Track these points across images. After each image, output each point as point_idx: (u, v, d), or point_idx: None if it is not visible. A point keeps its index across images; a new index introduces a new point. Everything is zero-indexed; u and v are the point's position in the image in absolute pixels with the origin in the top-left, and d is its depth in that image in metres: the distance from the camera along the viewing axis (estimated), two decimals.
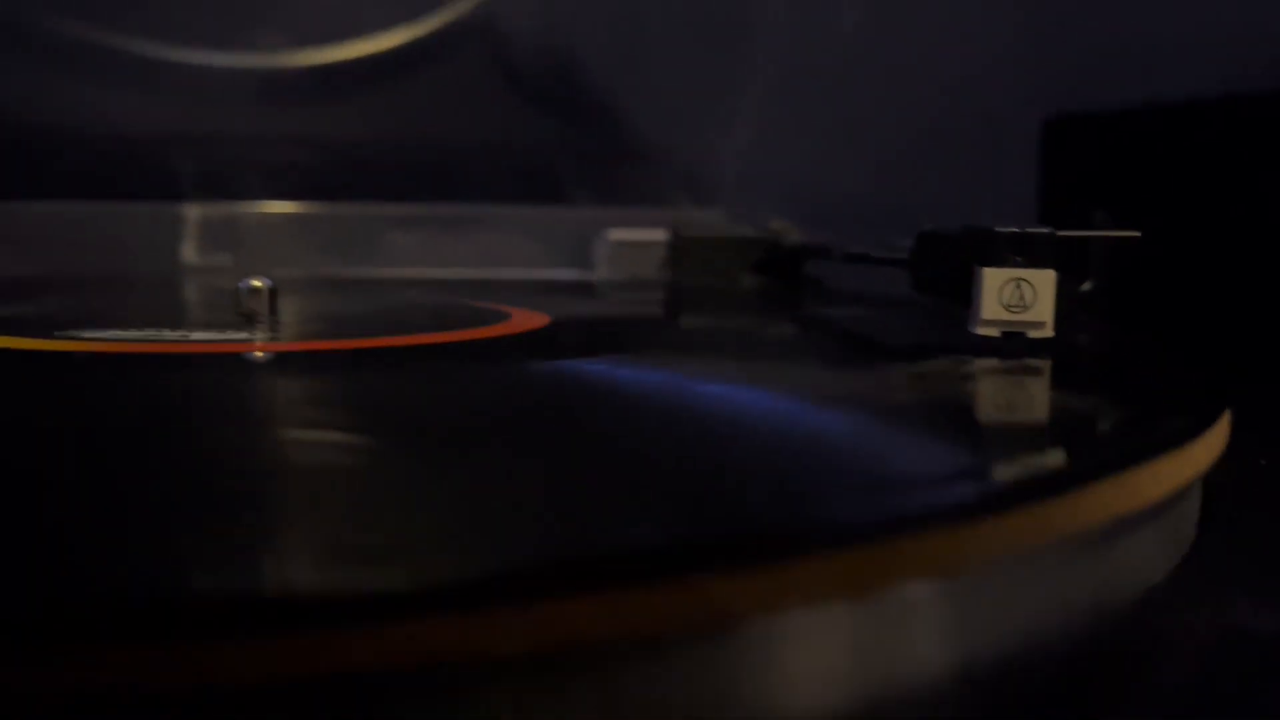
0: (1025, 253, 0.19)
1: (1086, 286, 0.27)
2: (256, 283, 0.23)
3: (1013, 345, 0.19)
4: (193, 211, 0.41)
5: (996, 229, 0.19)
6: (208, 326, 0.22)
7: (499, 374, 0.18)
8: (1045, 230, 0.19)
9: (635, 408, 0.15)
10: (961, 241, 0.20)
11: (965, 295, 0.20)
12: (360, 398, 0.16)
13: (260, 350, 0.19)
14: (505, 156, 0.48)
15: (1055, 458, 0.13)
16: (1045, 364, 0.19)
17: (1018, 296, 0.19)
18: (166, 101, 0.43)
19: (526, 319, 0.23)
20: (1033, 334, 0.19)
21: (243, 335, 0.20)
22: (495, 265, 0.44)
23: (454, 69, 0.48)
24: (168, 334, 0.20)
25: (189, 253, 0.40)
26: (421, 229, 0.44)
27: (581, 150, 0.48)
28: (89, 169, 0.41)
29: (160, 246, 0.40)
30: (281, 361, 0.19)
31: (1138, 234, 0.19)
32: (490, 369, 0.18)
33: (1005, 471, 0.12)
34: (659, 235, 0.42)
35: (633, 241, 0.46)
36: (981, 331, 0.19)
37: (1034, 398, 0.17)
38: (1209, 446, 0.13)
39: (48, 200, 0.40)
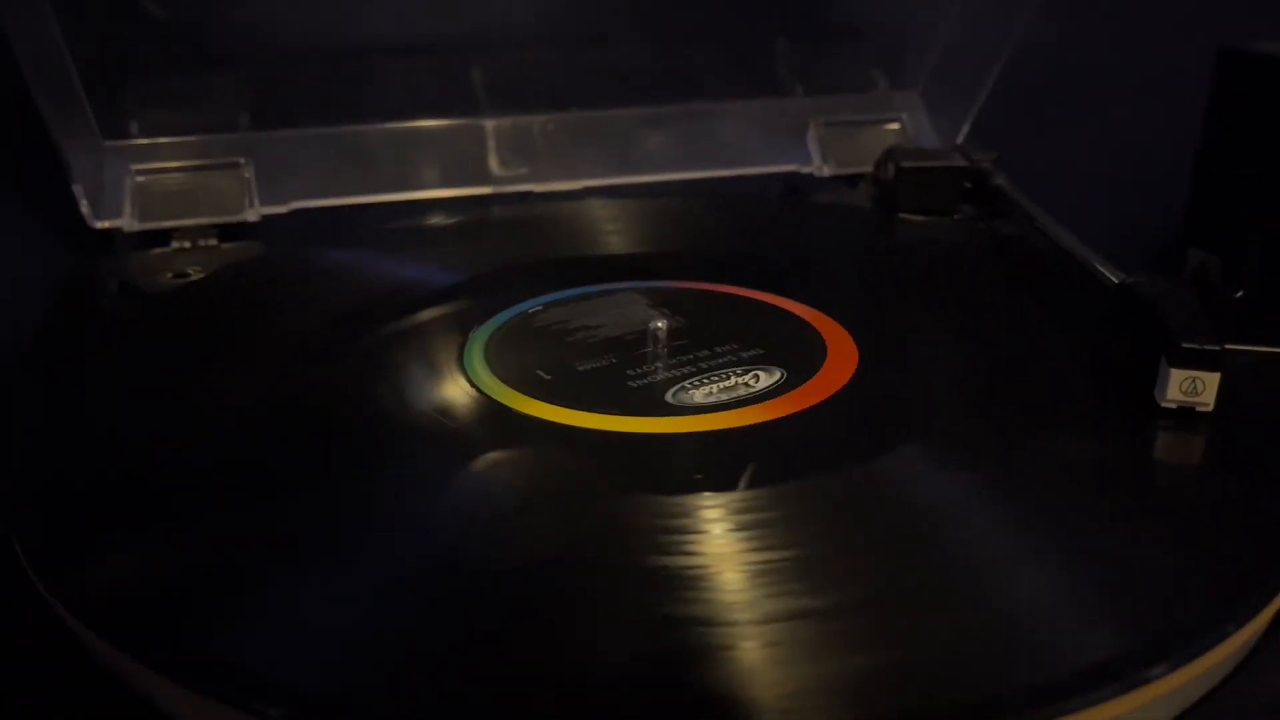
0: (1203, 361, 0.28)
1: (1239, 294, 0.35)
2: (660, 324, 0.33)
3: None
4: (491, 125, 0.50)
5: (1183, 343, 0.28)
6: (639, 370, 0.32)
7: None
8: (1217, 348, 0.28)
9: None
10: (1156, 321, 0.29)
11: (1155, 334, 0.29)
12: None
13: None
14: (722, 50, 0.54)
15: None
16: None
17: (1192, 388, 0.28)
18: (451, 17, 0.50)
19: (840, 349, 0.33)
20: (1199, 409, 0.29)
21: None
22: (726, 163, 0.52)
23: None
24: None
25: (494, 166, 0.50)
26: (663, 130, 0.52)
27: (791, 39, 0.55)
28: (390, 86, 0.50)
29: (470, 162, 0.49)
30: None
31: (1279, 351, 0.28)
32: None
33: None
34: (869, 123, 0.50)
35: (846, 131, 0.54)
36: (1164, 405, 0.29)
37: None
38: None
39: (369, 123, 0.49)
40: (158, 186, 0.46)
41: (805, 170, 0.53)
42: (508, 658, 0.21)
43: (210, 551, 0.24)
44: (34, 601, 0.23)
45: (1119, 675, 0.20)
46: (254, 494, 0.26)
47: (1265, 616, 0.23)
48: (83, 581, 0.23)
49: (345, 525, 0.24)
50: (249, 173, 0.47)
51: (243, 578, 0.23)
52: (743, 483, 0.25)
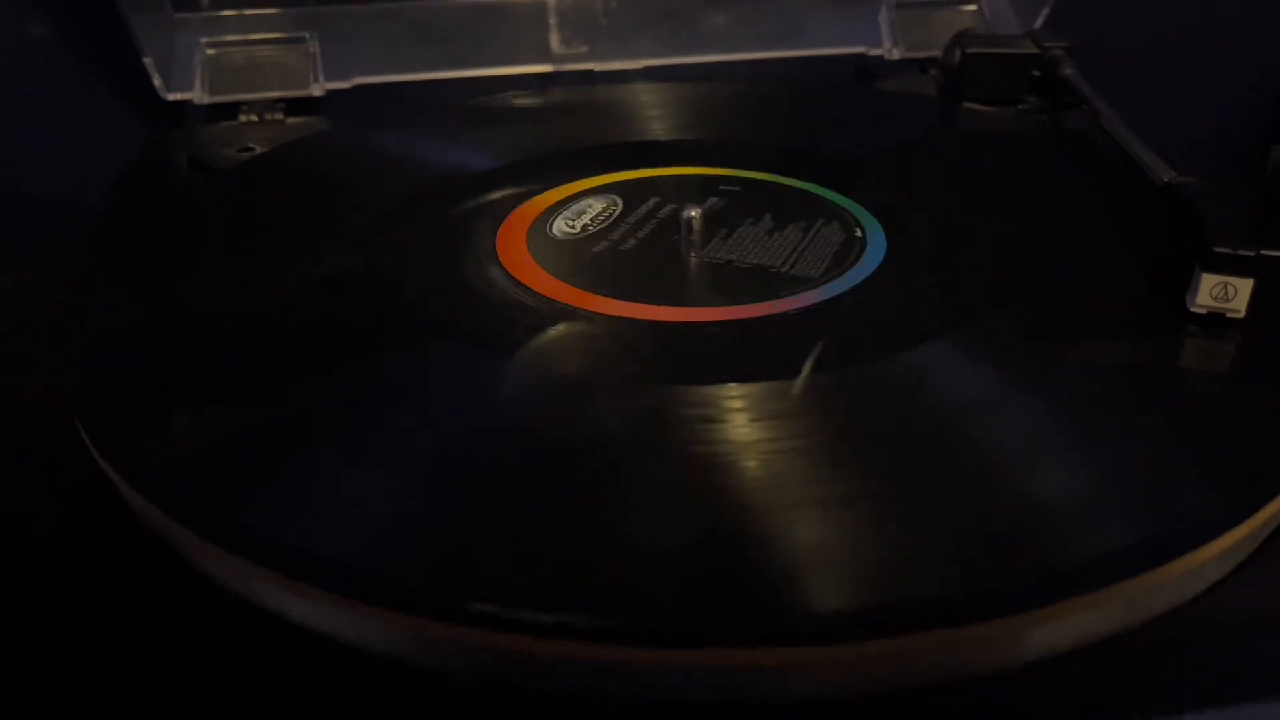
0: (1235, 266, 0.27)
1: None
2: (694, 212, 0.33)
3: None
4: (554, 2, 0.50)
5: (1215, 247, 0.27)
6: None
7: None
8: (1251, 254, 0.27)
9: None
10: (1195, 222, 0.29)
11: (1192, 232, 0.28)
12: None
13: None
14: None
15: None
16: None
17: (1223, 293, 0.28)
18: None
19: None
20: (1230, 315, 0.28)
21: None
22: (793, 44, 0.51)
23: None
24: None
25: (555, 44, 0.49)
26: (728, 9, 0.51)
27: None
28: None
29: (531, 39, 0.49)
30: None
31: None
32: None
33: None
34: (943, 4, 0.49)
35: (919, 13, 0.52)
36: (1193, 309, 0.28)
37: None
38: None
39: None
40: (226, 60, 0.47)
41: (875, 53, 0.52)
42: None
43: (261, 425, 0.25)
44: (92, 471, 0.25)
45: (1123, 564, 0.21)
46: (300, 370, 0.27)
47: (1263, 515, 0.23)
48: (138, 450, 0.24)
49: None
50: (314, 47, 0.47)
51: (287, 451, 0.24)
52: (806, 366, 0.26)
